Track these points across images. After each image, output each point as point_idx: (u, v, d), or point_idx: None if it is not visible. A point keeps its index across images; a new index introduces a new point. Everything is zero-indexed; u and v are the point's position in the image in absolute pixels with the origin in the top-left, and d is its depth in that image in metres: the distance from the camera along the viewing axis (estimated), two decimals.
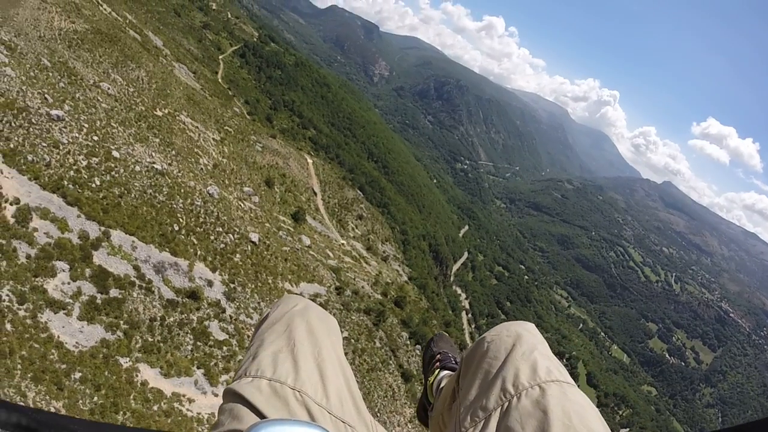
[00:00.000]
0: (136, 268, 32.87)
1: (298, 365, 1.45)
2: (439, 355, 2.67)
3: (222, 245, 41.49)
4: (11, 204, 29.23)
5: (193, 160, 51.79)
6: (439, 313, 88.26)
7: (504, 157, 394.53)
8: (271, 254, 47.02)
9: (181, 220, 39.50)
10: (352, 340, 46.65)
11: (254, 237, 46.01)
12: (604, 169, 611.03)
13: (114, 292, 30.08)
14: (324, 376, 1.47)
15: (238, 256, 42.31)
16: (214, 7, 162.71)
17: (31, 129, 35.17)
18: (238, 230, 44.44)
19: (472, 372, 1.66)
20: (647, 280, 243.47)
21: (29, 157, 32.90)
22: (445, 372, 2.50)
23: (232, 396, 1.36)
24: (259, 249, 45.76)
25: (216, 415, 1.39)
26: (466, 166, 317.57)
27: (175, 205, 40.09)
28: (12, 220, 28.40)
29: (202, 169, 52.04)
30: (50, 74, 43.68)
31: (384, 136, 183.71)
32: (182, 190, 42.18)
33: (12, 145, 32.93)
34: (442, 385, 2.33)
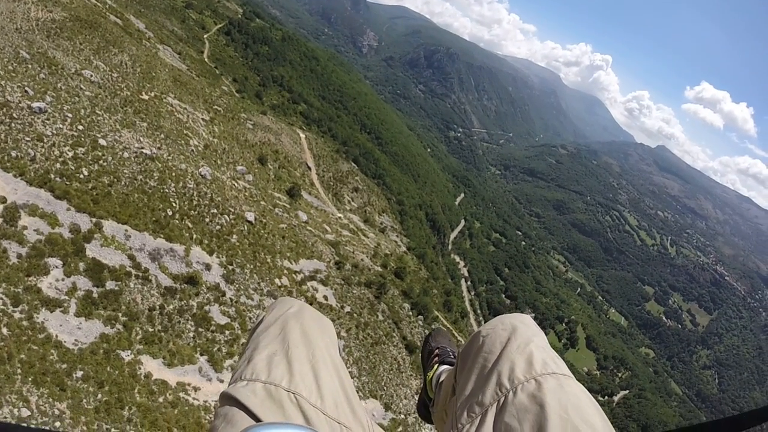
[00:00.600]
0: (131, 257, 32.40)
1: (293, 367, 1.46)
2: (437, 350, 2.67)
3: (218, 227, 41.03)
4: None
5: (183, 142, 50.93)
6: (439, 282, 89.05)
7: (497, 123, 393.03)
8: (269, 233, 46.61)
9: (174, 204, 38.93)
10: (355, 315, 46.62)
11: (250, 216, 45.54)
12: (598, 134, 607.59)
13: (110, 285, 29.60)
14: (318, 377, 1.47)
15: (234, 237, 41.87)
16: None
17: (12, 124, 34.19)
18: (233, 210, 43.92)
19: (468, 367, 1.66)
20: (643, 243, 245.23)
21: (13, 153, 32.09)
22: (444, 367, 2.50)
23: (228, 400, 1.37)
24: (255, 228, 45.34)
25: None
26: (459, 134, 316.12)
27: (167, 190, 39.48)
28: (0, 221, 27.75)
29: (192, 150, 51.22)
30: (30, 66, 42.49)
31: (376, 107, 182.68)
32: (173, 174, 41.50)
33: None
34: (441, 380, 2.33)
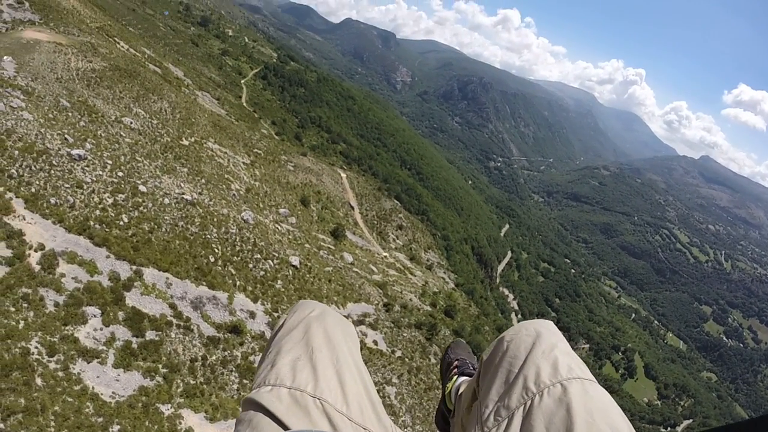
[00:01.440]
0: (173, 306, 30.73)
1: (317, 372, 1.46)
2: (456, 362, 2.66)
3: (262, 273, 38.99)
4: (36, 251, 27.57)
5: (224, 186, 49.68)
6: (489, 318, 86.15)
7: (536, 150, 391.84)
8: (314, 276, 44.46)
9: (216, 250, 37.13)
10: (406, 359, 43.77)
11: (295, 260, 43.47)
12: (639, 151, 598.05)
13: (150, 335, 28.03)
14: (343, 382, 1.48)
15: (279, 282, 39.78)
16: (230, 34, 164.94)
17: (52, 171, 33.52)
18: (277, 255, 41.95)
19: (492, 372, 1.67)
20: (696, 261, 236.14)
21: (52, 200, 31.28)
22: (464, 378, 2.48)
23: (252, 405, 1.37)
24: (300, 272, 43.22)
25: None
26: (499, 164, 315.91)
27: (209, 236, 37.78)
28: (37, 268, 26.64)
29: (234, 195, 49.86)
30: (70, 114, 42.31)
31: (414, 143, 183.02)
32: (215, 219, 39.89)
33: (33, 190, 31.39)
34: (461, 391, 2.30)
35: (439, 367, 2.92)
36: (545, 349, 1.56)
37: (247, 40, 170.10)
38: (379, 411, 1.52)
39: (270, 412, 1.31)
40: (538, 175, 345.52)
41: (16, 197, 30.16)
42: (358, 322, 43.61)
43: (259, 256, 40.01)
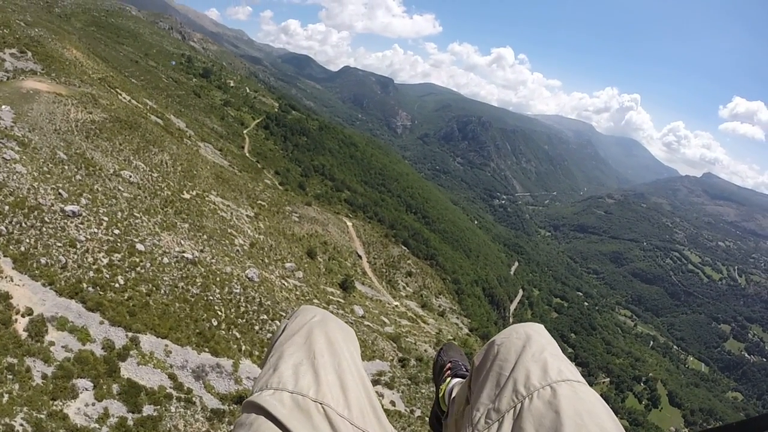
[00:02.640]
0: (172, 376, 28.02)
1: (319, 377, 1.48)
2: (449, 364, 2.67)
3: (269, 335, 36.07)
4: (23, 315, 25.51)
5: (227, 242, 47.36)
6: None
7: (539, 184, 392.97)
8: None
9: (219, 312, 34.49)
10: (426, 418, 40.48)
11: None
12: (642, 176, 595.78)
13: (148, 409, 25.31)
14: (345, 387, 1.50)
15: None
16: (232, 85, 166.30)
17: (44, 228, 31.56)
18: (284, 314, 39.16)
19: (483, 375, 1.70)
20: (710, 279, 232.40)
21: (43, 260, 29.18)
22: (457, 380, 2.51)
23: (253, 408, 1.38)
24: None
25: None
26: (503, 201, 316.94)
27: (211, 297, 35.17)
28: (24, 335, 24.60)
29: (238, 250, 47.46)
30: (66, 167, 40.53)
31: (418, 186, 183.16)
32: (218, 279, 37.35)
33: (23, 248, 29.38)
34: (454, 393, 2.35)
35: (432, 369, 2.89)
36: (535, 352, 1.59)
37: (248, 91, 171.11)
38: (380, 415, 1.54)
39: (272, 415, 1.32)
40: (543, 209, 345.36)
41: (4, 256, 28.26)
42: (373, 383, 40.55)
43: (265, 316, 37.30)
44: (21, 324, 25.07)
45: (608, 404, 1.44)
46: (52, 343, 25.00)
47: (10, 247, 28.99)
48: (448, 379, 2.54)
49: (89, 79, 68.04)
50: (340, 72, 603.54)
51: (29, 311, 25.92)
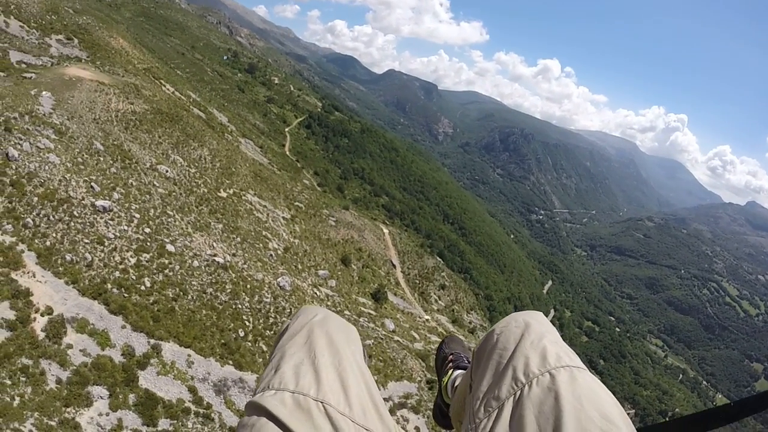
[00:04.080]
0: (192, 389, 26.41)
1: (320, 376, 1.50)
2: (451, 356, 2.69)
3: None
4: (42, 315, 24.28)
5: (261, 245, 45.59)
6: None
7: (578, 201, 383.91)
8: None
9: (247, 323, 32.58)
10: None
11: None
12: (683, 200, 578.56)
13: (163, 424, 23.94)
14: (345, 385, 1.51)
15: None
16: (276, 82, 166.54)
17: (72, 223, 30.32)
18: None
19: (483, 364, 1.71)
20: (747, 315, 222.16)
21: (68, 257, 27.91)
22: (459, 371, 2.55)
23: (255, 409, 1.41)
24: None
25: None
26: (541, 217, 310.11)
27: (240, 305, 33.29)
28: (41, 335, 23.44)
29: (271, 255, 45.62)
30: (101, 159, 39.40)
31: (457, 196, 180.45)
32: (248, 286, 35.50)
33: (48, 243, 28.14)
34: (456, 384, 2.40)
35: (434, 362, 2.87)
36: (534, 340, 1.60)
37: (292, 89, 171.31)
38: (382, 412, 1.56)
39: (273, 416, 1.34)
40: (581, 227, 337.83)
41: (29, 250, 27.09)
42: (399, 405, 38.31)
43: None
44: (39, 323, 23.90)
45: None
46: (69, 346, 23.82)
47: (36, 241, 27.84)
48: (451, 371, 2.54)
49: (134, 69, 67.68)
50: (384, 75, 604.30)
51: (49, 310, 24.74)
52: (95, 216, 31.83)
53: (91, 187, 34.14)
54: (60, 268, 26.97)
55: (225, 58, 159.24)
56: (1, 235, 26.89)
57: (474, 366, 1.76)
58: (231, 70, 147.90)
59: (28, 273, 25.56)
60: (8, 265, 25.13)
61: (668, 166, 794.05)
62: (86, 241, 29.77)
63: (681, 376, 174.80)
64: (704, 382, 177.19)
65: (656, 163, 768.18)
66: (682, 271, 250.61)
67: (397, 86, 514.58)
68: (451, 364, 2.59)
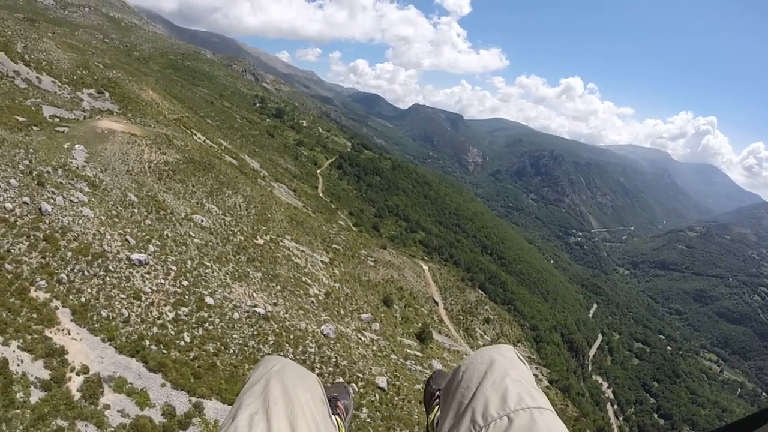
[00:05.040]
0: None
1: (271, 425, 1.51)
2: (438, 392, 2.55)
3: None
4: (78, 374, 22.95)
5: (301, 292, 44.09)
6: (589, 418, 79.92)
7: (616, 219, 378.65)
8: (403, 398, 36.96)
9: None
10: None
11: (382, 381, 36.33)
12: (723, 204, 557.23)
13: None
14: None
15: (365, 410, 32.65)
16: (305, 125, 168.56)
17: (107, 278, 29.29)
18: (362, 376, 35.02)
19: (447, 403, 1.71)
20: None
21: (104, 313, 26.78)
22: None
23: None
24: (388, 395, 35.91)
25: None
26: (579, 239, 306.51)
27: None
28: (77, 396, 22.02)
29: (313, 301, 44.04)
30: (136, 210, 38.94)
31: (493, 226, 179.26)
32: (292, 336, 33.83)
33: (84, 299, 27.08)
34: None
35: (423, 397, 2.83)
36: (496, 379, 1.56)
37: (321, 130, 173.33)
38: None
39: None
40: (621, 245, 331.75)
41: (63, 306, 26.09)
42: None
43: (341, 379, 33.28)
44: (75, 383, 22.61)
45: None
46: (107, 407, 22.41)
47: (70, 296, 26.90)
48: (437, 407, 2.41)
49: (165, 119, 68.42)
50: (409, 110, 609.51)
51: (85, 369, 23.53)
52: (131, 270, 30.87)
53: (126, 240, 33.36)
54: (96, 325, 25.96)
55: (257, 105, 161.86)
56: (35, 291, 25.99)
57: (442, 403, 1.75)
58: (259, 116, 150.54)
59: (62, 330, 24.63)
60: (42, 323, 24.16)
61: (703, 171, 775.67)
62: (122, 296, 28.73)
63: (739, 390, 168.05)
64: (764, 394, 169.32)
65: (690, 170, 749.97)
66: (730, 279, 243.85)
67: (423, 120, 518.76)
68: (438, 401, 2.39)
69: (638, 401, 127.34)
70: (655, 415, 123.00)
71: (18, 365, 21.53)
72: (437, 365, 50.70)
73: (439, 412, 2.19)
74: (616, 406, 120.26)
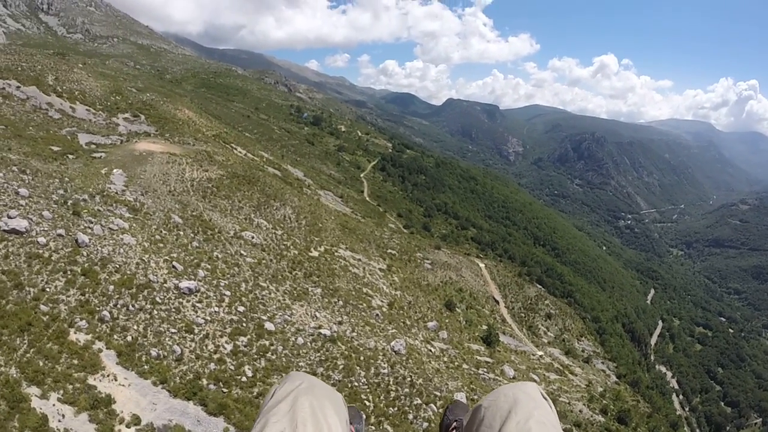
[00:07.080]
0: None
1: None
2: (455, 423, 2.51)
3: (425, 424, 28.90)
4: (128, 425, 20.36)
5: (364, 305, 41.27)
6: (661, 413, 74.85)
7: (665, 198, 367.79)
8: None
9: (367, 402, 27.82)
10: None
11: (461, 396, 33.25)
12: None
13: None
14: None
15: None
16: (343, 130, 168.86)
17: (155, 311, 26.84)
18: (439, 394, 31.89)
19: None
20: None
21: (153, 352, 24.22)
22: None
23: None
24: None
25: None
26: (629, 221, 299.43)
27: (356, 383, 28.66)
28: None
29: (377, 314, 41.15)
30: (181, 233, 36.83)
31: (543, 216, 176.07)
32: (362, 357, 30.88)
33: (130, 338, 24.53)
34: None
35: (438, 429, 2.68)
36: (520, 420, 1.53)
37: (360, 134, 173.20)
38: None
39: None
40: (673, 225, 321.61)
41: (107, 348, 23.45)
42: None
43: (419, 400, 30.14)
44: None
45: None
46: None
47: (115, 336, 24.30)
48: None
49: (203, 136, 67.50)
50: (444, 105, 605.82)
51: (136, 420, 20.96)
52: (180, 300, 28.49)
53: (173, 266, 31.05)
54: (145, 367, 23.40)
55: (305, 115, 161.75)
56: (75, 333, 23.45)
57: None
58: (297, 125, 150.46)
59: (108, 376, 22.07)
60: (84, 369, 21.61)
61: (749, 139, 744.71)
62: (173, 330, 26.24)
63: None
64: None
65: (737, 140, 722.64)
66: None
67: (458, 114, 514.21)
68: None
69: (704, 389, 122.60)
70: (722, 404, 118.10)
71: (59, 421, 19.07)
72: (509, 371, 47.63)
73: None
74: (681, 396, 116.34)
